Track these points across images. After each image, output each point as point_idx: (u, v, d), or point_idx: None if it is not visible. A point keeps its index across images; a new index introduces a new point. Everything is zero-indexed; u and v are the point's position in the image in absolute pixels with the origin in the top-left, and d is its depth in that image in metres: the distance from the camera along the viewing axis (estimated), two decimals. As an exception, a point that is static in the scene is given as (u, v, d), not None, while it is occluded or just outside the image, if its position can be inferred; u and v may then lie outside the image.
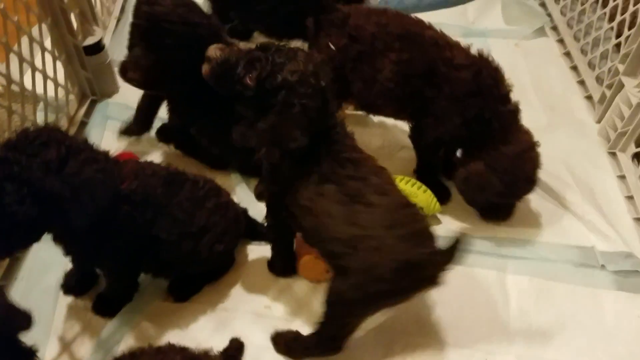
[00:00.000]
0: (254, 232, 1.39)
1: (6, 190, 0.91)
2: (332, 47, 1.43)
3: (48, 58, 1.51)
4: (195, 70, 1.29)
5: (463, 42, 2.07)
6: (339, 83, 1.38)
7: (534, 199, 1.54)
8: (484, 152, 1.37)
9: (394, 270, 1.02)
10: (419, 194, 1.44)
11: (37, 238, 1.01)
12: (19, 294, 1.29)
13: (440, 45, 1.39)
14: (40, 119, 1.47)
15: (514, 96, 1.83)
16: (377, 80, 1.41)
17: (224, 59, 1.09)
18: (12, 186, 0.91)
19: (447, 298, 1.29)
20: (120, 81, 1.69)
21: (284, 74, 1.04)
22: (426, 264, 1.04)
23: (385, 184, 1.12)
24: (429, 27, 1.45)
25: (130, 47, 1.30)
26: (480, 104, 1.35)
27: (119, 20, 1.96)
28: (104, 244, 1.10)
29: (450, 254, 1.04)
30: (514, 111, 1.39)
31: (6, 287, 1.29)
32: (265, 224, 1.29)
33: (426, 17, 2.10)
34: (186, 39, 1.25)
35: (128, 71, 1.28)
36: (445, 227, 1.47)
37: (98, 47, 1.66)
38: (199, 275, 1.30)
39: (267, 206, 1.24)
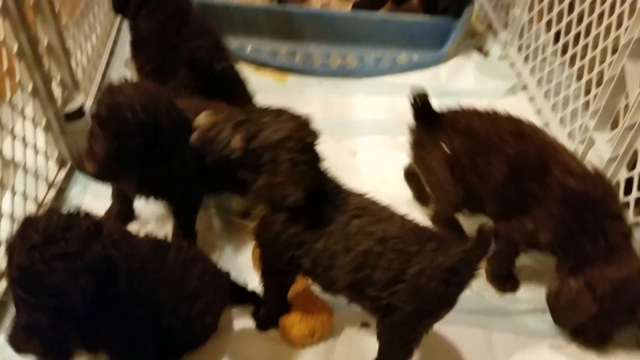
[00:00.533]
0: (237, 296, 1.37)
1: (58, 269, 0.86)
2: (445, 149, 1.43)
3: (28, 124, 1.51)
4: (157, 160, 1.26)
5: (437, 102, 2.15)
6: (455, 185, 1.42)
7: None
8: (586, 270, 1.28)
9: (443, 280, 1.06)
10: None
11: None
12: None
13: (556, 148, 1.38)
14: (18, 184, 1.45)
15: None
16: (490, 173, 1.39)
17: (211, 124, 1.11)
18: (63, 264, 0.87)
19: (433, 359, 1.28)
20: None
21: (269, 133, 1.06)
22: (466, 263, 1.08)
23: (396, 215, 1.15)
24: (543, 131, 1.44)
25: (90, 138, 1.23)
26: (589, 217, 1.29)
27: (100, 86, 1.97)
28: (117, 319, 1.03)
29: (482, 245, 1.07)
30: (626, 234, 1.31)
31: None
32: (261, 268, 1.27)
33: (401, 79, 2.21)
34: (147, 127, 1.20)
35: (84, 162, 1.21)
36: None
37: (79, 114, 1.67)
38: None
39: (264, 256, 1.23)
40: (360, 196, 1.17)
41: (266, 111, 1.10)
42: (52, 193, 1.59)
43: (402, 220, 1.14)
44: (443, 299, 1.10)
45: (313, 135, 1.10)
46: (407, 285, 1.07)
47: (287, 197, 1.06)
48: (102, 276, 0.91)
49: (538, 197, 1.34)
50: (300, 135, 1.07)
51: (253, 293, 1.38)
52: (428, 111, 1.47)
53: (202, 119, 1.13)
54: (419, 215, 1.63)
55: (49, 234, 0.88)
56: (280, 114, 1.09)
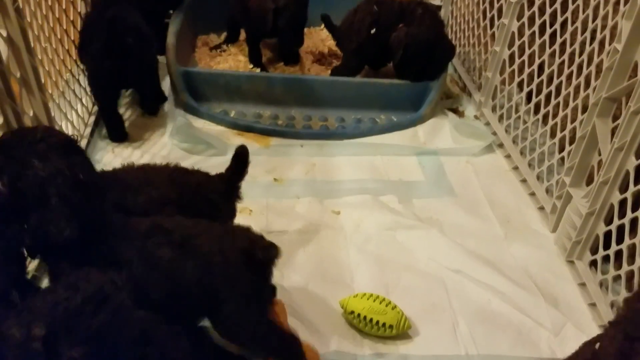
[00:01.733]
0: None
1: None
2: None
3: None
4: None
5: (416, 160, 2.20)
6: None
7: (502, 312, 1.55)
8: None
9: (242, 261, 1.19)
10: (388, 311, 1.44)
11: None
12: None
13: None
14: None
15: (470, 211, 1.92)
16: None
17: None
18: None
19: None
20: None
21: (35, 171, 1.03)
22: (258, 243, 1.22)
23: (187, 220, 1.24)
24: None
25: None
26: None
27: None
28: None
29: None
30: None
31: None
32: None
33: (380, 139, 2.26)
34: None
35: None
36: (416, 345, 1.46)
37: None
38: None
39: None
40: (148, 219, 1.20)
41: (30, 149, 1.05)
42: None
43: (195, 222, 1.23)
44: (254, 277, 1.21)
45: (86, 173, 1.09)
46: (218, 276, 1.16)
47: (60, 232, 1.04)
48: None
49: None
50: (69, 171, 1.05)
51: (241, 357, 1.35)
52: None
53: None
54: (405, 274, 1.64)
55: None
56: (46, 153, 1.05)
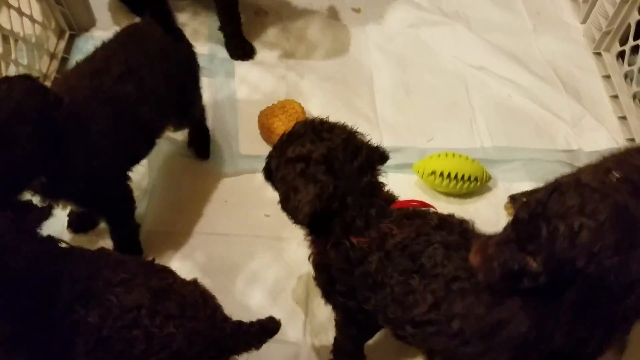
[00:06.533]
0: None
1: None
2: None
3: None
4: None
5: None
6: None
7: (522, 107, 1.56)
8: None
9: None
10: (469, 165, 1.37)
11: None
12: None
13: None
14: (20, 57, 1.44)
15: (500, 4, 1.82)
16: None
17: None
18: None
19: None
20: (97, 13, 1.67)
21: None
22: None
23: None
24: None
25: None
26: None
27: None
28: None
29: None
30: None
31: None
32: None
33: None
34: None
35: None
36: (433, 141, 1.48)
37: (72, -20, 1.60)
38: None
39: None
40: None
41: None
42: (55, 63, 1.58)
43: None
44: None
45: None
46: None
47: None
48: None
49: None
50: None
51: None
52: None
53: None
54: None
55: None
56: None
